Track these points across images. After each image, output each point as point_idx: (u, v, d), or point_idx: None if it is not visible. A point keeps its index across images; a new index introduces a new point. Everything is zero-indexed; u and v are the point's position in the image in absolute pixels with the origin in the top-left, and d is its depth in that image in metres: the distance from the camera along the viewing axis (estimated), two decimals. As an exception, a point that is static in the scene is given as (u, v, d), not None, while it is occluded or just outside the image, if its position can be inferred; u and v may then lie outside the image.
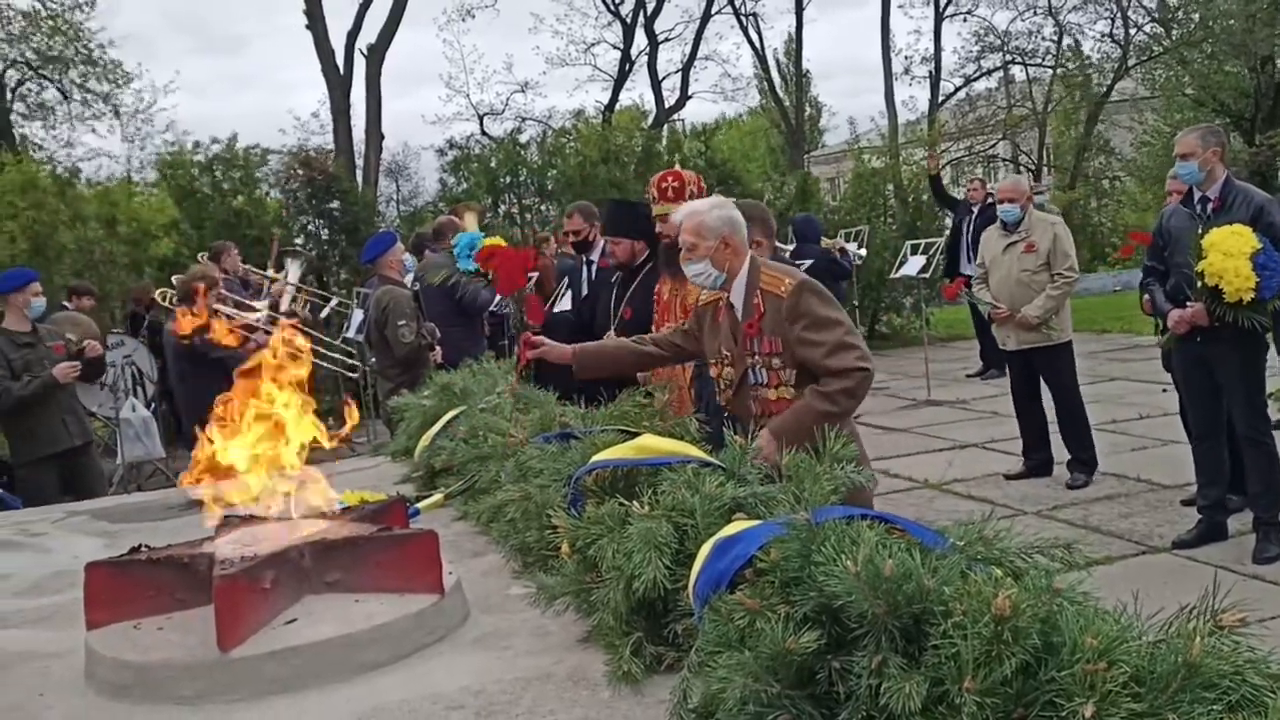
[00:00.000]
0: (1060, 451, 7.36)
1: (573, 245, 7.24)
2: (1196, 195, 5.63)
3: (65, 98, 22.16)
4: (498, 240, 5.82)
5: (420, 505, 3.82)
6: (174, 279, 9.80)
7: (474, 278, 7.64)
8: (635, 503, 2.41)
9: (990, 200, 12.80)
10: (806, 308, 3.55)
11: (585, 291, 6.75)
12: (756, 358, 3.65)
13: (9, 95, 21.27)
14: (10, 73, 21.45)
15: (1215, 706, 1.40)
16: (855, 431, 3.80)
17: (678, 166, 5.75)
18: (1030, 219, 7.32)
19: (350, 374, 10.07)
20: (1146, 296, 6.03)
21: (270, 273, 10.51)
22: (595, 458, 2.79)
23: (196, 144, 16.66)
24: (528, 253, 5.41)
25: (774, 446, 3.32)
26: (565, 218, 7.54)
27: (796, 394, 3.59)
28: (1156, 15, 25.51)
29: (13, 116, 21.35)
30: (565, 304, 8.17)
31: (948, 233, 13.39)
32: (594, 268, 7.06)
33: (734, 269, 3.68)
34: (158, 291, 9.27)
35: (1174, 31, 24.61)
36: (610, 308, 5.69)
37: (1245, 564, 5.37)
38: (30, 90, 22.18)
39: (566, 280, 7.17)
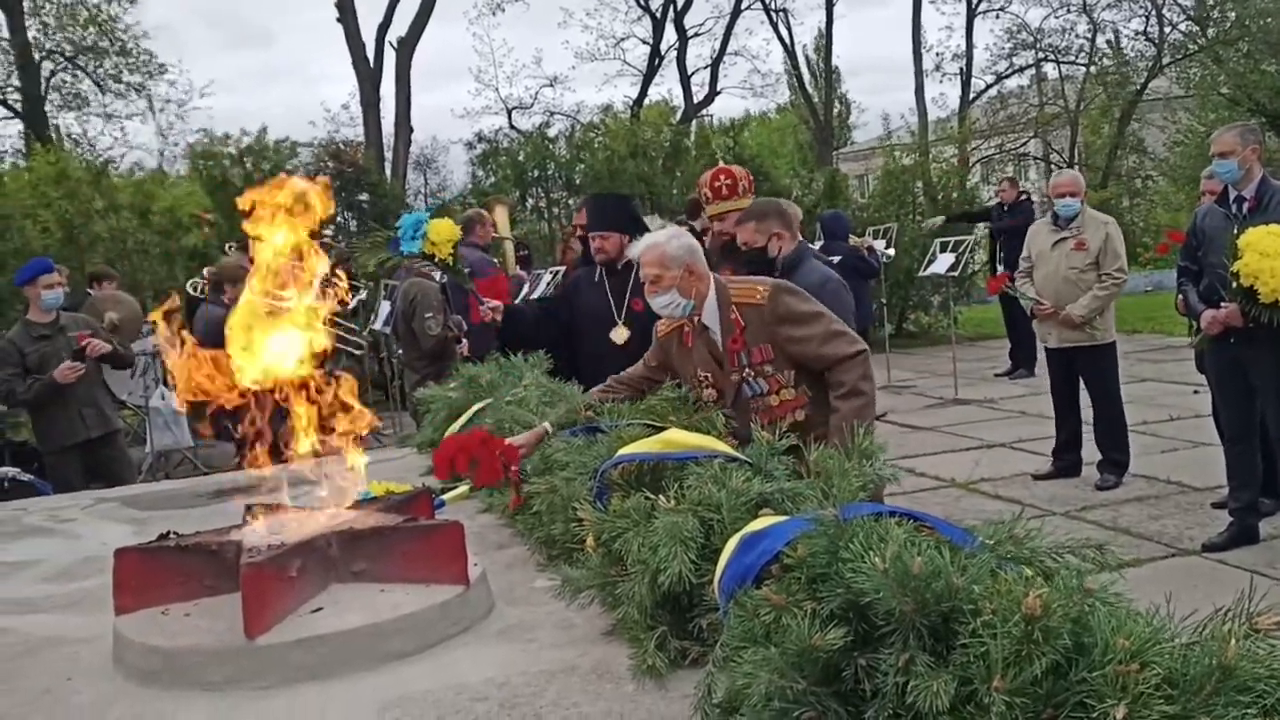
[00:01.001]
0: (1090, 453, 7.29)
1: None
2: (1232, 194, 5.57)
3: (100, 89, 22.35)
4: (445, 223, 5.41)
5: (445, 497, 3.83)
6: (205, 270, 9.89)
7: (416, 260, 7.31)
8: (661, 497, 2.40)
9: (1023, 197, 12.72)
10: (787, 308, 3.59)
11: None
12: (749, 370, 3.66)
13: (44, 85, 21.45)
14: (45, 64, 21.64)
15: (1250, 710, 1.38)
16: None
17: (721, 161, 5.70)
18: (1083, 216, 7.17)
19: (355, 351, 10.06)
20: (1181, 296, 5.97)
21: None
22: (621, 451, 2.79)
23: (227, 135, 16.79)
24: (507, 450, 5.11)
25: None
26: (576, 211, 7.37)
27: (799, 392, 3.62)
28: (1192, 13, 25.26)
29: (47, 107, 21.54)
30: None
31: (984, 233, 13.33)
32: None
33: (700, 293, 3.69)
34: (188, 282, 9.33)
35: (1209, 30, 24.36)
36: (609, 304, 5.42)
37: (1277, 567, 5.31)
38: (65, 81, 22.38)
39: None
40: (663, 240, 3.74)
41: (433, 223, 5.43)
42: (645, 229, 5.83)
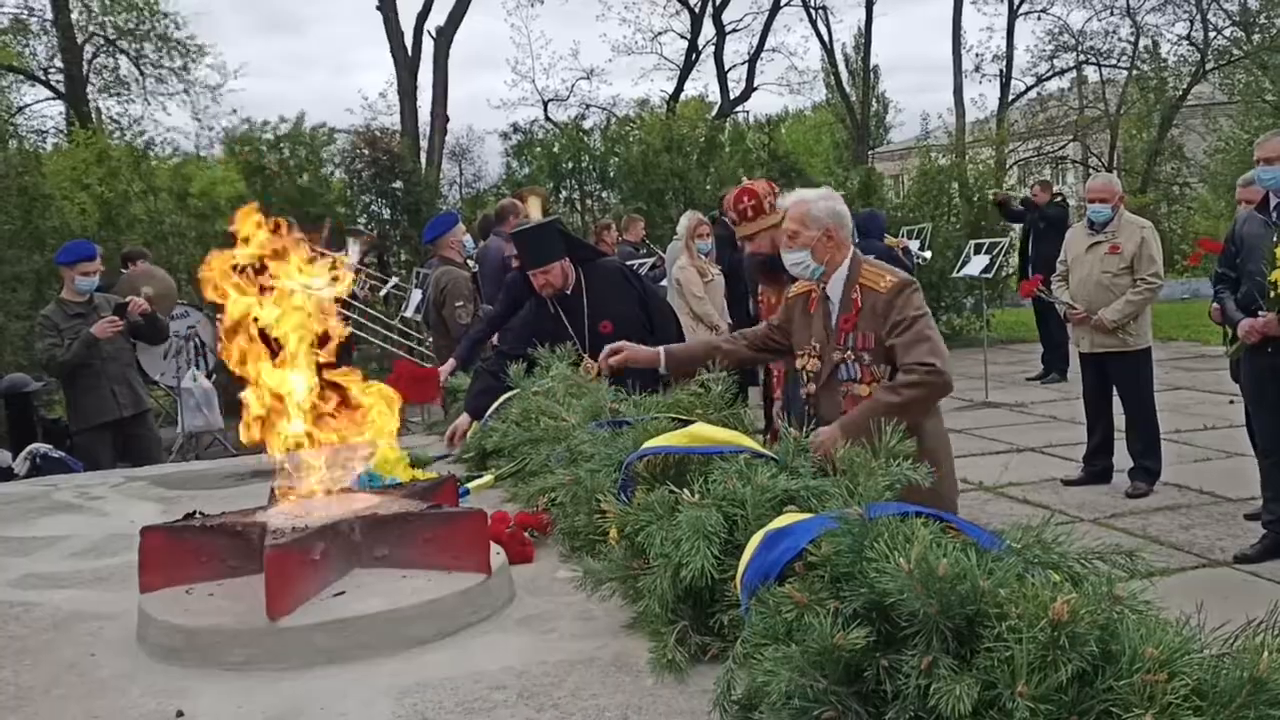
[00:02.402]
0: (1122, 459, 7.21)
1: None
2: (1273, 201, 5.48)
3: (140, 72, 22.55)
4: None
5: (470, 486, 3.84)
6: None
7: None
8: (685, 491, 2.39)
9: (1058, 199, 12.61)
10: (903, 305, 3.58)
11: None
12: (849, 352, 3.66)
13: (85, 68, 21.67)
14: (87, 46, 21.85)
15: (1282, 725, 1.35)
16: (941, 435, 3.82)
17: (744, 179, 5.57)
18: (1119, 220, 7.08)
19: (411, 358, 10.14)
20: (1215, 305, 5.89)
21: (337, 255, 10.59)
22: (647, 444, 2.78)
23: (265, 122, 16.89)
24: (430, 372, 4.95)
25: (834, 439, 3.32)
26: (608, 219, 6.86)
27: None
28: (1237, 19, 24.90)
29: (88, 90, 21.76)
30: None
31: (1015, 236, 13.21)
32: None
33: (834, 262, 3.71)
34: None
35: (1255, 36, 24.02)
36: (570, 335, 4.93)
37: (1310, 582, 5.24)
38: (106, 64, 22.59)
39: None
40: (811, 199, 3.79)
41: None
42: (578, 244, 5.55)
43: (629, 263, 7.32)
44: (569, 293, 5.07)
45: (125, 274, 9.81)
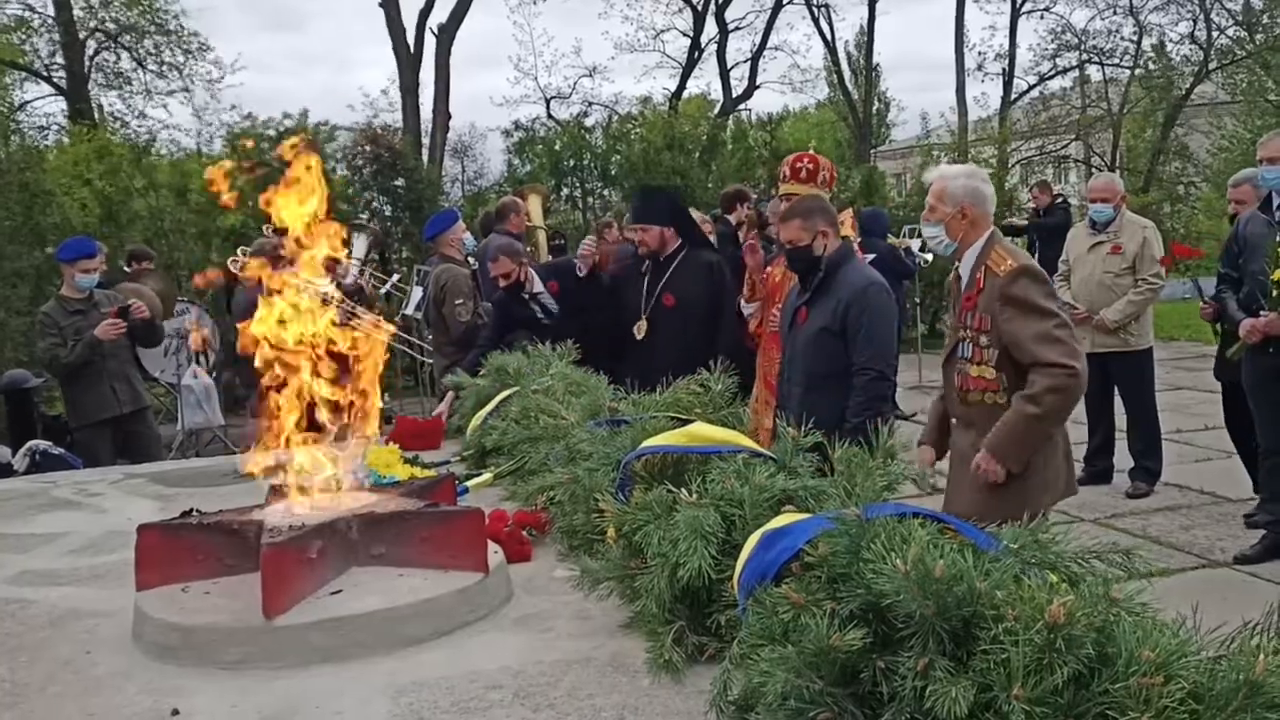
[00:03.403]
0: (1122, 460, 7.20)
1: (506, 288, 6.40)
2: (1275, 202, 5.47)
3: (141, 67, 22.52)
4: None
5: (469, 484, 3.83)
6: (239, 250, 9.96)
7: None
8: (683, 490, 2.38)
9: (1060, 201, 12.61)
10: (1020, 291, 3.56)
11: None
12: (967, 331, 3.69)
13: (87, 64, 21.64)
14: (89, 42, 21.82)
15: (1277, 728, 1.34)
16: (1058, 443, 3.78)
17: (812, 149, 5.72)
18: (1121, 220, 7.08)
19: (412, 351, 10.13)
20: (1202, 304, 6.02)
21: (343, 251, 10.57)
22: (645, 443, 2.77)
23: (269, 119, 16.87)
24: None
25: (993, 463, 3.51)
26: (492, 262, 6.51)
27: (996, 378, 3.61)
28: (1240, 19, 24.84)
29: (90, 86, 21.74)
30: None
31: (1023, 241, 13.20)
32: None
33: (968, 240, 3.75)
34: (229, 260, 9.40)
35: (1258, 35, 23.97)
36: (642, 297, 5.63)
37: (1310, 583, 5.23)
38: (107, 60, 22.56)
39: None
40: (951, 174, 3.85)
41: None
42: (691, 226, 5.88)
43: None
44: (661, 260, 5.61)
45: (119, 287, 9.86)
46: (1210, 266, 6.70)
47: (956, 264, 3.83)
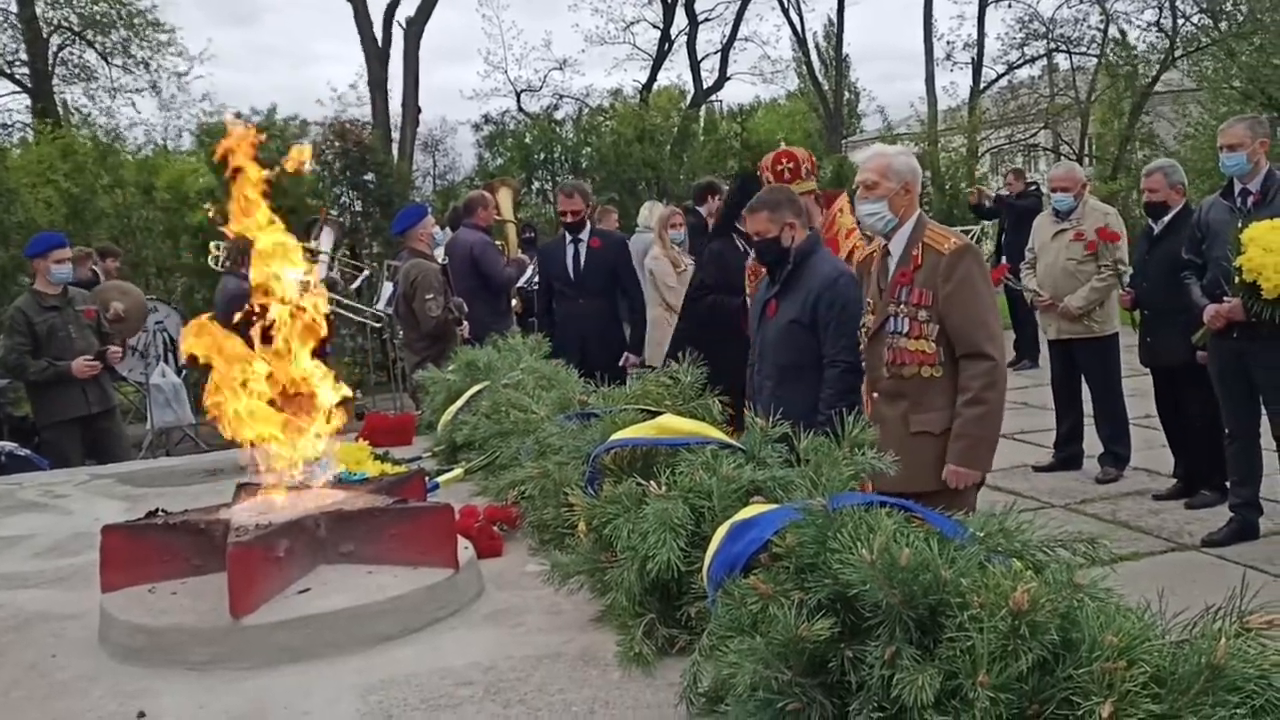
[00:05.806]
0: (1092, 445, 7.26)
1: (566, 226, 7.24)
2: (1237, 188, 5.52)
3: (106, 62, 22.26)
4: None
5: (440, 480, 3.81)
6: (211, 245, 9.88)
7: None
8: (652, 483, 2.38)
9: (1033, 188, 12.68)
10: (966, 271, 3.66)
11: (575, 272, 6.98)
12: (902, 306, 3.74)
13: (51, 60, 21.38)
14: (53, 38, 21.55)
15: (1239, 711, 1.35)
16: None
17: (782, 144, 5.68)
18: (1084, 208, 7.14)
19: (375, 323, 10.09)
20: (1120, 292, 6.47)
21: (310, 243, 10.51)
22: (614, 436, 2.76)
23: (239, 114, 16.71)
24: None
25: (967, 473, 3.64)
26: (563, 196, 7.50)
27: (935, 351, 3.68)
28: (1205, 6, 25.04)
29: (54, 82, 21.47)
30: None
31: (990, 225, 13.26)
32: (583, 247, 7.05)
33: (904, 217, 3.81)
34: (209, 255, 9.36)
35: (1222, 23, 24.17)
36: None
37: (1276, 564, 5.28)
38: (72, 55, 22.29)
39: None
40: (891, 153, 3.93)
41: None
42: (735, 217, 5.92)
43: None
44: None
45: (99, 284, 9.74)
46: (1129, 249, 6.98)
47: (885, 242, 3.88)
